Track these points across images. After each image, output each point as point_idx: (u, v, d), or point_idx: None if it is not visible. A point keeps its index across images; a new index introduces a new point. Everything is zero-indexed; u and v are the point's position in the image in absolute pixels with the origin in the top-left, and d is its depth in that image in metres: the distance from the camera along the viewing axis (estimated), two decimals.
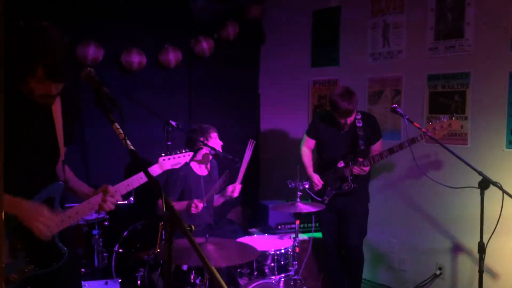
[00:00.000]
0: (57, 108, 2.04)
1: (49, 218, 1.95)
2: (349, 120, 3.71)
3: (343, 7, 4.76)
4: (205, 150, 3.70)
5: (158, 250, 1.38)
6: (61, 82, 1.89)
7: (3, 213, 0.92)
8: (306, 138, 4.09)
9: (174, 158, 2.54)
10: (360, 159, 3.69)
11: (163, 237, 1.47)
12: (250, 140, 3.65)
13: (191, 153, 2.62)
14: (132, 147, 1.64)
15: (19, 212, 1.89)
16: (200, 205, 3.46)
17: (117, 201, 2.14)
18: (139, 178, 2.25)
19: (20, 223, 1.95)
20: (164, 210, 1.44)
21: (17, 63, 1.79)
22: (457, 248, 3.98)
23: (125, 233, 3.95)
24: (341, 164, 3.78)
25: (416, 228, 4.24)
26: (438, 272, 4.07)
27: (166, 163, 2.50)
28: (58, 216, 2.00)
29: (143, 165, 1.63)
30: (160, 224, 1.47)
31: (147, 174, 1.60)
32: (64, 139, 2.10)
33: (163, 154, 2.52)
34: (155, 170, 2.43)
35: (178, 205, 3.58)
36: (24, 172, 1.97)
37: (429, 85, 4.13)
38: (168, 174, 3.63)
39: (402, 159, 4.03)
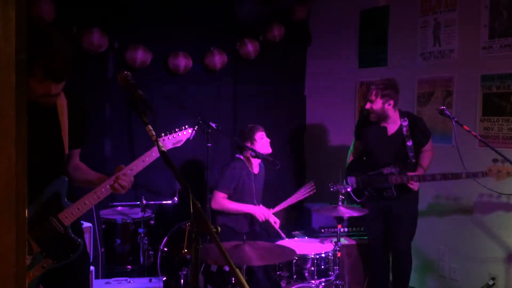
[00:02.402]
0: (63, 109, 2.07)
1: None
2: (374, 106, 3.64)
3: (392, 6, 4.63)
4: (249, 153, 3.79)
5: (185, 251, 1.39)
6: (60, 82, 1.91)
7: (26, 211, 0.96)
8: (354, 141, 4.09)
9: (174, 137, 2.50)
10: (410, 173, 3.58)
11: (190, 237, 1.48)
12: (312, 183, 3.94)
13: (191, 128, 2.57)
14: (163, 149, 1.67)
15: None
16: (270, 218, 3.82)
17: (131, 181, 2.14)
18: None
19: (31, 220, 1.99)
20: (191, 210, 1.46)
21: None
22: (511, 257, 3.76)
23: (170, 232, 4.03)
24: (387, 170, 3.66)
25: (467, 236, 4.04)
26: (491, 283, 3.86)
27: (167, 142, 2.46)
28: None
29: (175, 167, 1.64)
30: (187, 224, 1.47)
31: (179, 180, 1.60)
32: (70, 141, 2.11)
33: (162, 134, 2.46)
34: (155, 152, 2.30)
35: (241, 207, 3.76)
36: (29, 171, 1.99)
37: (482, 86, 3.93)
38: (224, 167, 3.83)
39: (453, 164, 3.87)
